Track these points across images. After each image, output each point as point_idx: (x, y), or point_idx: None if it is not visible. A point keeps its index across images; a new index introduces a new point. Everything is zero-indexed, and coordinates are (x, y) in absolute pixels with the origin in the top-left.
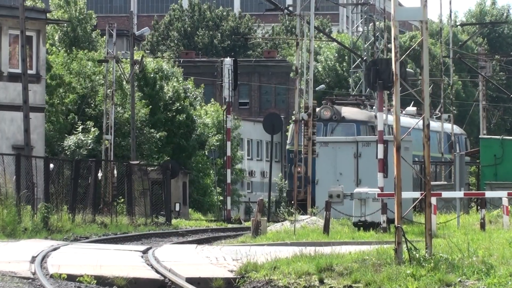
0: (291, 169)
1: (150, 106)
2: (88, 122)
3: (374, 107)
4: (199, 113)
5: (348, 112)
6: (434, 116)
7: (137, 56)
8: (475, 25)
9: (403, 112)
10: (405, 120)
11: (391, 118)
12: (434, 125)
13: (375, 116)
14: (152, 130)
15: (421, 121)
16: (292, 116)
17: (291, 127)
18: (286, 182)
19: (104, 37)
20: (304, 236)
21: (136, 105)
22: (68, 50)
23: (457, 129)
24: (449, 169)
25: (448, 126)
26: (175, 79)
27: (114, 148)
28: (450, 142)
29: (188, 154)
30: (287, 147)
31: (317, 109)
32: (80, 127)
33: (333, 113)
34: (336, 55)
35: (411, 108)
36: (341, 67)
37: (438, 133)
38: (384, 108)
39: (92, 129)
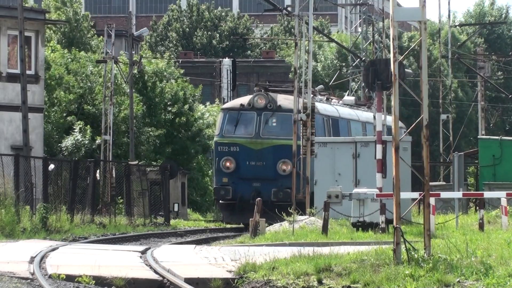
0: (219, 163)
1: (144, 106)
2: (80, 122)
3: (311, 96)
4: (200, 113)
5: (285, 100)
6: (374, 107)
7: (136, 57)
8: (474, 25)
9: (340, 102)
10: (345, 111)
11: (325, 107)
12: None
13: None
14: (150, 129)
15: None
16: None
17: (219, 116)
18: (214, 178)
19: (101, 37)
20: (302, 237)
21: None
22: (67, 50)
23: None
24: None
25: (388, 119)
26: (174, 80)
27: (111, 147)
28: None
29: (190, 157)
30: (215, 139)
31: (250, 97)
32: (78, 126)
33: (268, 101)
34: (336, 55)
35: (349, 98)
36: (343, 67)
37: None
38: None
39: (87, 129)
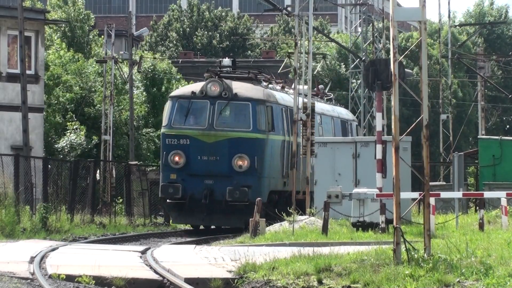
0: (167, 158)
1: (147, 105)
2: (74, 122)
3: (265, 83)
4: None
5: (241, 88)
6: (325, 98)
7: (137, 57)
8: (474, 25)
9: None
10: (301, 101)
11: (285, 97)
12: (328, 108)
13: (273, 94)
14: (149, 130)
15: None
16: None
17: (167, 105)
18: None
19: (102, 37)
20: (302, 237)
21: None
22: (67, 51)
23: (349, 115)
24: None
25: (341, 111)
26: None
27: (111, 147)
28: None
29: None
30: (162, 130)
31: (202, 84)
32: (72, 127)
33: (223, 89)
34: (336, 55)
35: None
36: (344, 67)
37: (333, 118)
38: (276, 87)
39: (82, 129)
